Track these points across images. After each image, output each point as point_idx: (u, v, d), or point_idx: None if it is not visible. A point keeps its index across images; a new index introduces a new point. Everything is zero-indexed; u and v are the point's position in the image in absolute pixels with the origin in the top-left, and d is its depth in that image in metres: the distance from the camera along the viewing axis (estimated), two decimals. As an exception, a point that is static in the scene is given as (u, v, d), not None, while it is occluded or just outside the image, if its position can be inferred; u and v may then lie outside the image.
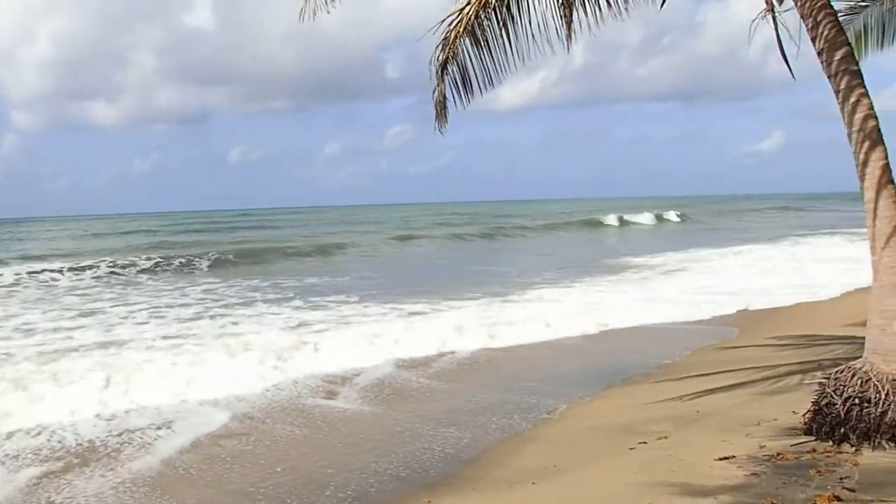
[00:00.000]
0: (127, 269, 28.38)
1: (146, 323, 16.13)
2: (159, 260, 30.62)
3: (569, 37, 7.71)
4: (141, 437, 8.53)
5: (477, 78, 7.86)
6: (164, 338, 13.94)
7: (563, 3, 7.56)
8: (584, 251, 36.14)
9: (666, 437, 7.16)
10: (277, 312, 17.25)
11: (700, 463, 6.14)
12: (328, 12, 7.81)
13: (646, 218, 62.87)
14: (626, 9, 7.59)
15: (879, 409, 5.90)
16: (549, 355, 12.69)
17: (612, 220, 60.32)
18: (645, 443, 7.07)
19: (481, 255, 36.68)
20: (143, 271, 28.49)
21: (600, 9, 7.68)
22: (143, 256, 31.16)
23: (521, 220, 62.35)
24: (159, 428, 8.87)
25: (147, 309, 18.27)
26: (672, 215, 66.12)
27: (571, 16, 7.57)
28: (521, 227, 52.78)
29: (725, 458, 6.09)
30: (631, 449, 6.96)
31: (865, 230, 6.51)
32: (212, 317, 16.75)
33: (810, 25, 6.60)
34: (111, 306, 19.08)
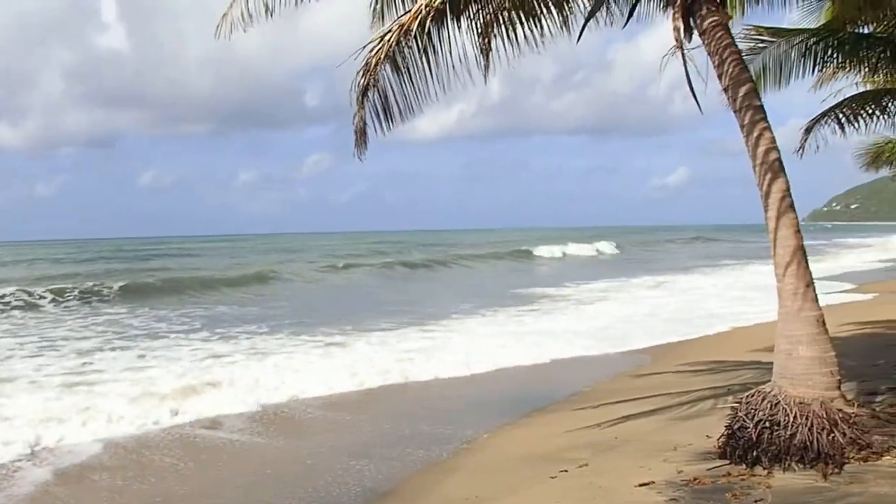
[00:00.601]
0: (25, 299, 26.81)
1: (38, 356, 15.24)
2: (64, 287, 28.97)
3: (486, 67, 7.82)
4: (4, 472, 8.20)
5: (398, 105, 7.82)
6: (56, 374, 13.09)
7: (481, 34, 7.67)
8: (514, 281, 36.01)
9: (586, 465, 7.20)
10: (184, 344, 16.67)
11: (621, 489, 6.20)
12: (244, 31, 7.67)
13: (575, 249, 63.19)
14: (542, 41, 7.76)
15: (788, 432, 6.11)
16: (463, 386, 12.58)
17: (543, 251, 60.29)
18: (566, 471, 7.09)
19: (408, 284, 36.46)
20: (43, 301, 26.96)
21: (517, 41, 7.84)
22: (44, 287, 29.46)
23: (450, 249, 62.54)
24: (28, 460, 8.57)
25: (42, 341, 17.31)
26: (607, 246, 66.75)
27: (490, 46, 7.68)
28: (454, 257, 52.23)
29: (645, 484, 6.16)
30: (552, 477, 6.97)
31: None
32: (112, 349, 16.03)
33: (716, 62, 6.90)
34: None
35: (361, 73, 7.64)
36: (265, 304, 25.99)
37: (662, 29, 7.42)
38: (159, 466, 8.49)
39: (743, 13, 8.47)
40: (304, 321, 20.23)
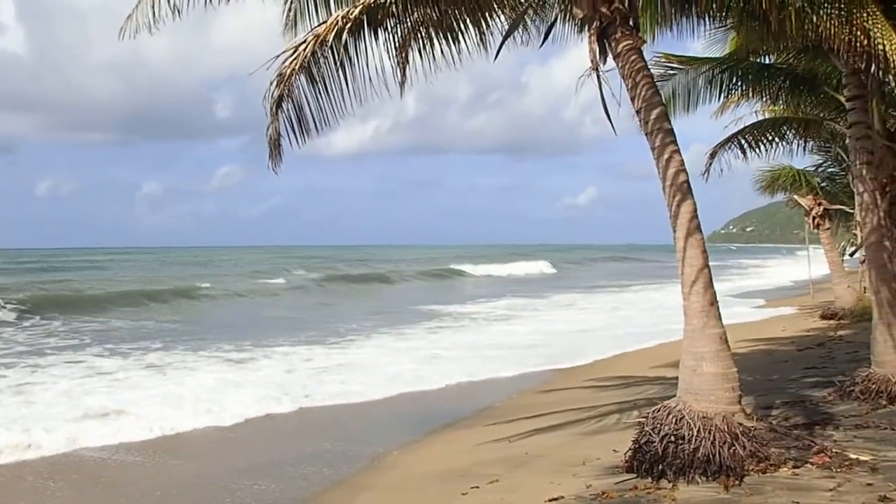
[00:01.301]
0: None
1: None
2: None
3: (403, 81, 7.79)
4: None
5: (313, 117, 7.63)
6: None
7: (398, 48, 7.64)
8: (447, 297, 35.91)
9: (497, 481, 7.20)
10: (77, 361, 15.89)
11: (531, 505, 6.23)
12: (151, 33, 7.36)
13: (517, 267, 62.71)
14: (459, 58, 7.80)
15: (692, 446, 6.27)
16: (370, 404, 12.25)
17: (469, 268, 60.31)
18: (477, 487, 7.07)
19: (327, 298, 35.79)
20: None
21: (434, 57, 7.85)
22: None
23: (379, 265, 61.77)
24: None
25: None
26: (544, 265, 66.56)
27: (406, 60, 7.66)
28: (379, 275, 51.48)
29: (555, 500, 6.20)
30: (464, 494, 6.94)
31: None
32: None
33: (630, 85, 7.08)
34: None
35: (275, 83, 7.45)
36: (165, 320, 25.08)
37: (575, 53, 7.59)
38: (40, 495, 7.97)
39: (654, 40, 8.77)
40: (208, 338, 19.61)
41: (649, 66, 7.42)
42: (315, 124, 7.68)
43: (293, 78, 7.45)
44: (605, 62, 7.22)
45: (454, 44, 7.78)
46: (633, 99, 7.09)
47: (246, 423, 10.85)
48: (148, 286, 37.11)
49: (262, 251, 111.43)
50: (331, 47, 7.47)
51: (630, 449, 6.71)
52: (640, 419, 7.02)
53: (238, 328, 22.62)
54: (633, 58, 7.06)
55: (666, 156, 6.88)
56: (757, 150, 12.33)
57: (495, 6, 7.83)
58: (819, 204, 23.06)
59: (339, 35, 7.36)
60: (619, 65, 7.12)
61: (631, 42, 7.06)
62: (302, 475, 8.36)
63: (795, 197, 23.85)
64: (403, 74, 7.79)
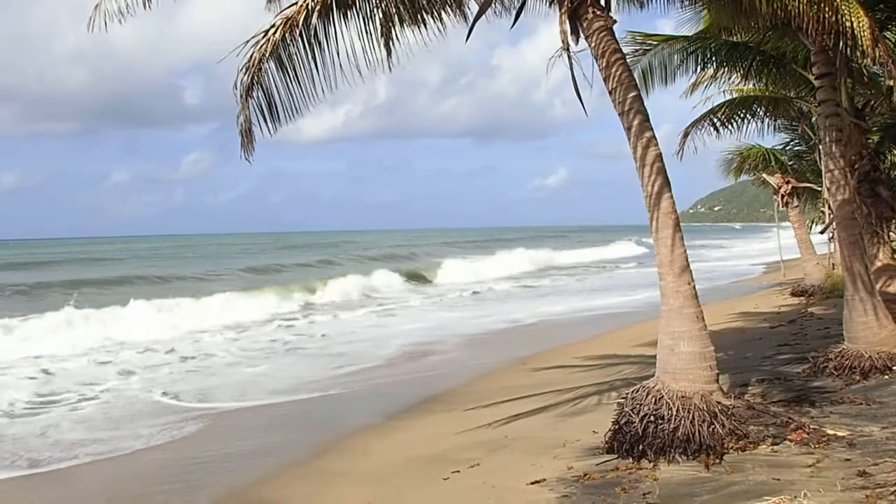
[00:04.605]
0: None
1: None
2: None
3: (389, 55, 7.67)
4: None
5: (283, 104, 7.53)
6: None
7: (382, 27, 7.52)
8: None
9: (478, 465, 7.20)
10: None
11: (513, 488, 6.22)
12: (121, 23, 7.16)
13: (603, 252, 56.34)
14: (430, 38, 7.70)
15: (672, 425, 6.32)
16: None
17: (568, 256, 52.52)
18: (458, 471, 7.06)
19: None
20: None
21: (405, 39, 7.74)
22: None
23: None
24: None
25: None
26: (630, 246, 62.12)
27: (391, 34, 7.55)
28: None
29: (537, 482, 6.22)
30: (445, 479, 6.92)
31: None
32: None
33: (602, 65, 7.04)
34: None
35: (245, 69, 7.32)
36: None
37: (546, 36, 7.52)
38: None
39: (625, 16, 8.72)
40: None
41: (620, 45, 7.39)
42: (286, 111, 7.58)
43: (263, 64, 7.34)
44: (576, 42, 7.17)
45: (426, 25, 7.68)
46: (605, 79, 7.06)
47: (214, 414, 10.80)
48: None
49: (237, 238, 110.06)
50: (300, 32, 7.35)
51: (610, 430, 6.74)
52: (620, 400, 7.05)
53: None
54: (605, 38, 7.03)
55: (641, 138, 6.88)
56: (729, 128, 12.41)
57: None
58: (787, 182, 23.30)
59: (307, 19, 7.25)
60: (591, 45, 7.08)
61: (603, 22, 7.02)
62: (269, 464, 8.30)
63: (764, 175, 24.08)
64: (389, 46, 7.65)
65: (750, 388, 8.59)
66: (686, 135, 12.93)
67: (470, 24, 7.71)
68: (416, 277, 36.93)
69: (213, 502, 7.20)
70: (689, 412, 6.33)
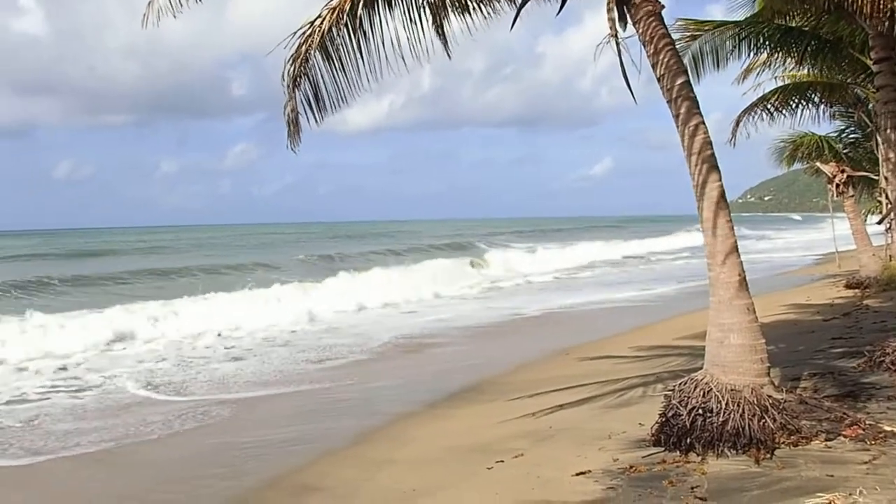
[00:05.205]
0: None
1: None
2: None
3: (445, 45, 7.66)
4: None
5: (329, 94, 7.62)
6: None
7: (432, 11, 7.51)
8: None
9: (522, 455, 7.17)
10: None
11: (558, 479, 6.19)
12: (175, 17, 7.33)
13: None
14: (491, 16, 7.65)
15: (721, 419, 6.20)
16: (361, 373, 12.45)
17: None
18: (502, 461, 7.04)
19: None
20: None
21: (461, 20, 7.72)
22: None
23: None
24: None
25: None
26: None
27: (441, 21, 7.54)
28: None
29: (582, 473, 6.17)
30: (489, 468, 6.91)
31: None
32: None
33: (651, 52, 6.92)
34: None
35: (292, 60, 7.41)
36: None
37: (591, 23, 7.43)
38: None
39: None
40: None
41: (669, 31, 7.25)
42: (332, 102, 7.69)
43: (310, 55, 7.41)
44: (624, 28, 7.06)
45: (473, 12, 7.65)
46: (654, 66, 6.93)
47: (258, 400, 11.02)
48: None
49: (283, 227, 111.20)
50: (346, 23, 7.40)
51: (657, 422, 6.64)
52: (667, 392, 6.95)
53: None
54: (653, 23, 6.90)
55: (690, 125, 6.75)
56: (784, 114, 12.10)
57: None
58: (842, 171, 22.63)
59: (353, 9, 7.29)
60: (639, 31, 6.96)
61: (651, 7, 6.89)
62: (322, 448, 8.39)
63: (818, 164, 23.43)
64: (442, 35, 7.64)
65: (802, 382, 8.37)
66: (738, 122, 12.64)
67: (516, 10, 7.64)
68: (484, 266, 36.36)
69: (261, 486, 7.32)
70: (738, 405, 6.20)
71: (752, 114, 12.40)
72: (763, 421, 6.10)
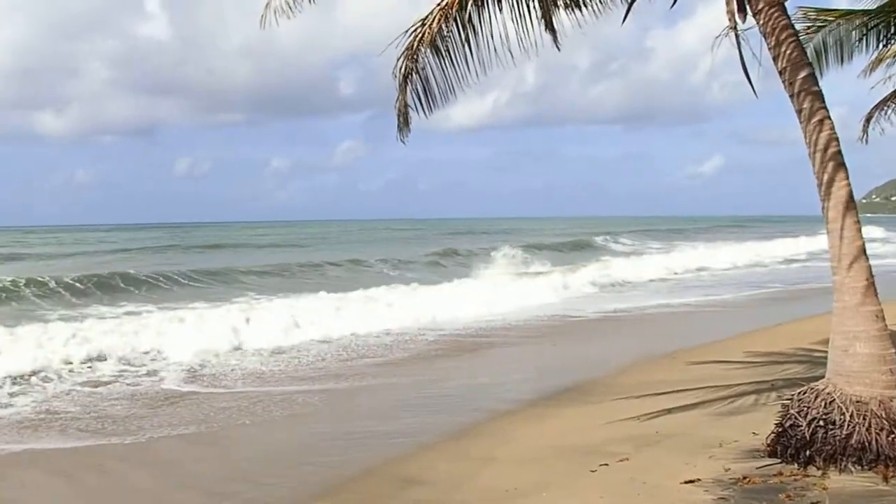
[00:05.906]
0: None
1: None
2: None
3: (555, 38, 7.62)
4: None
5: (438, 88, 7.81)
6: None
7: (541, 5, 7.45)
8: None
9: (627, 459, 7.00)
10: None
11: (666, 486, 6.01)
12: (290, 17, 7.67)
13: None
14: (601, 11, 7.53)
15: (845, 432, 5.85)
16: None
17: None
18: (606, 465, 6.90)
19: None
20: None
21: (570, 15, 7.63)
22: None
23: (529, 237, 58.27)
24: None
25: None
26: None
27: (551, 15, 7.48)
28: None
29: (691, 482, 5.97)
30: (592, 471, 6.79)
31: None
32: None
33: (772, 44, 6.59)
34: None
35: (403, 57, 7.61)
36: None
37: (703, 16, 7.15)
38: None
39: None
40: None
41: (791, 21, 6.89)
42: (440, 95, 7.87)
43: (420, 51, 7.56)
44: (743, 20, 6.75)
45: (584, 6, 7.53)
46: (775, 59, 6.60)
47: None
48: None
49: (394, 223, 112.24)
50: (455, 19, 7.46)
51: (773, 432, 6.35)
52: (784, 401, 6.61)
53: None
54: (775, 14, 6.57)
55: (815, 120, 6.40)
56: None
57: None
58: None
59: (463, 6, 7.34)
60: (760, 22, 6.65)
61: (773, -3, 6.56)
62: (426, 443, 8.46)
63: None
64: (552, 30, 7.58)
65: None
66: (869, 119, 11.90)
67: (628, 4, 7.47)
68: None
69: (364, 476, 7.45)
70: (864, 419, 5.83)
71: (883, 109, 11.62)
72: (892, 436, 5.73)
